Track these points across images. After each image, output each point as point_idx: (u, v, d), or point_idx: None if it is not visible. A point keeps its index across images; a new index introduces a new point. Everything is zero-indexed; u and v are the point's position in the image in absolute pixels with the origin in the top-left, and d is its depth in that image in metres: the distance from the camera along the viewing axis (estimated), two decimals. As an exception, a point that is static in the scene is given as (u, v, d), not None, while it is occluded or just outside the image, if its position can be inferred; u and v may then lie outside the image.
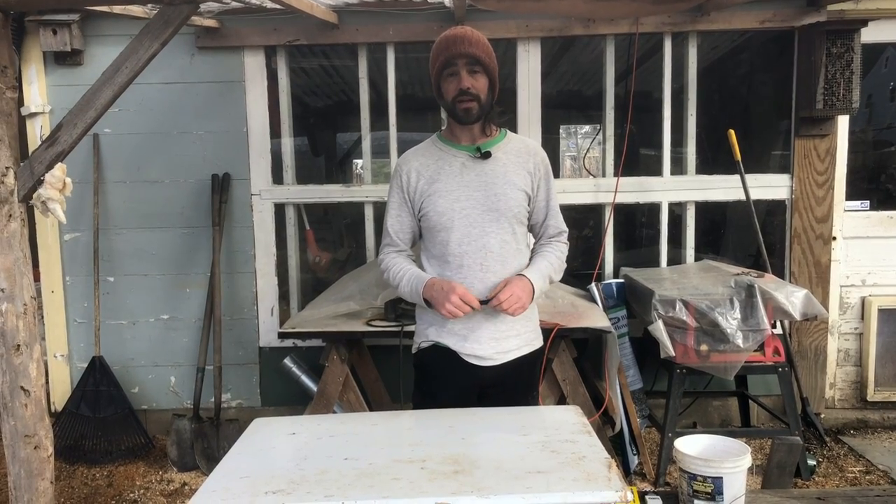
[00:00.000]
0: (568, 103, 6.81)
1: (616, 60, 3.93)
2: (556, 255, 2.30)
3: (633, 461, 3.51)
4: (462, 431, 1.86)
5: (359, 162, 8.65)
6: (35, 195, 2.16)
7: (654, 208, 4.08)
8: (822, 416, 3.93)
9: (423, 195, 2.21)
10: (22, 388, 2.14)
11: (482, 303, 2.13)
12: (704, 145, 4.18)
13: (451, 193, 2.19)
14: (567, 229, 2.37)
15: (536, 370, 2.43)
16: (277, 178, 4.01)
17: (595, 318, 3.29)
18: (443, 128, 2.36)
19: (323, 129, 7.46)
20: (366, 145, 4.06)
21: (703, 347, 3.19)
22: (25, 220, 2.18)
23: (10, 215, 2.11)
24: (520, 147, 2.28)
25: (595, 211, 4.21)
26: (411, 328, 2.37)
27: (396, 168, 2.30)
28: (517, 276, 2.17)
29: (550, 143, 7.80)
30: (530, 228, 2.36)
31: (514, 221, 2.21)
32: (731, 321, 3.14)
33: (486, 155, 2.20)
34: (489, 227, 2.18)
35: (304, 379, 3.77)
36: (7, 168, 2.09)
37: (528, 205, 2.26)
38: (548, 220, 2.32)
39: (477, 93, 2.14)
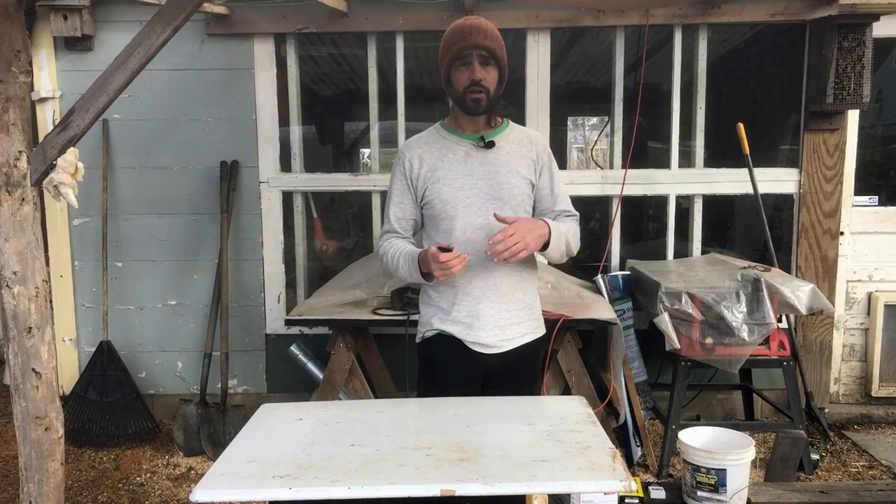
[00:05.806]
0: (576, 95, 6.79)
1: (626, 52, 3.91)
2: (571, 224, 2.29)
3: (637, 453, 3.52)
4: (467, 419, 1.87)
5: (366, 151, 8.64)
6: (47, 179, 2.17)
7: (661, 201, 4.07)
8: (826, 410, 3.94)
9: (427, 182, 2.21)
10: (33, 370, 2.15)
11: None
12: (713, 138, 4.17)
13: (455, 181, 2.19)
14: (577, 213, 2.36)
15: (540, 359, 2.44)
16: (285, 165, 4.02)
17: (601, 309, 3.30)
18: (446, 117, 2.34)
19: (331, 117, 7.45)
20: (373, 134, 4.06)
21: (709, 340, 3.19)
22: (38, 203, 2.20)
23: (23, 199, 2.12)
24: (521, 136, 2.29)
25: (602, 203, 4.21)
26: (417, 317, 2.37)
27: (399, 155, 2.29)
28: (532, 218, 2.16)
29: (558, 135, 7.80)
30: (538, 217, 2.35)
31: (518, 210, 2.21)
32: (736, 314, 3.14)
33: (490, 144, 2.21)
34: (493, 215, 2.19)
35: (310, 366, 3.78)
36: (20, 152, 2.10)
37: (532, 193, 2.26)
38: (556, 206, 2.30)
39: (487, 85, 2.15)
